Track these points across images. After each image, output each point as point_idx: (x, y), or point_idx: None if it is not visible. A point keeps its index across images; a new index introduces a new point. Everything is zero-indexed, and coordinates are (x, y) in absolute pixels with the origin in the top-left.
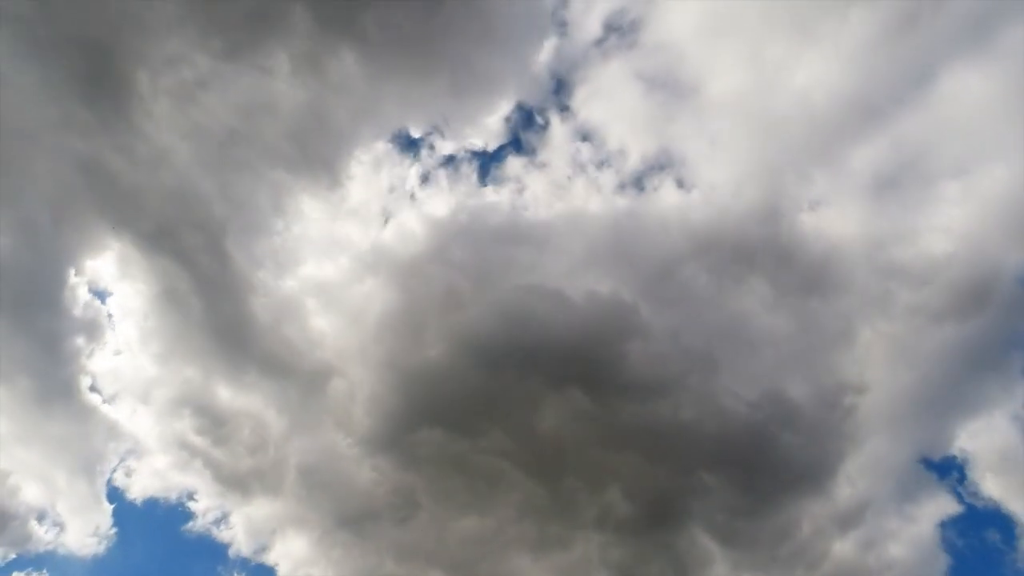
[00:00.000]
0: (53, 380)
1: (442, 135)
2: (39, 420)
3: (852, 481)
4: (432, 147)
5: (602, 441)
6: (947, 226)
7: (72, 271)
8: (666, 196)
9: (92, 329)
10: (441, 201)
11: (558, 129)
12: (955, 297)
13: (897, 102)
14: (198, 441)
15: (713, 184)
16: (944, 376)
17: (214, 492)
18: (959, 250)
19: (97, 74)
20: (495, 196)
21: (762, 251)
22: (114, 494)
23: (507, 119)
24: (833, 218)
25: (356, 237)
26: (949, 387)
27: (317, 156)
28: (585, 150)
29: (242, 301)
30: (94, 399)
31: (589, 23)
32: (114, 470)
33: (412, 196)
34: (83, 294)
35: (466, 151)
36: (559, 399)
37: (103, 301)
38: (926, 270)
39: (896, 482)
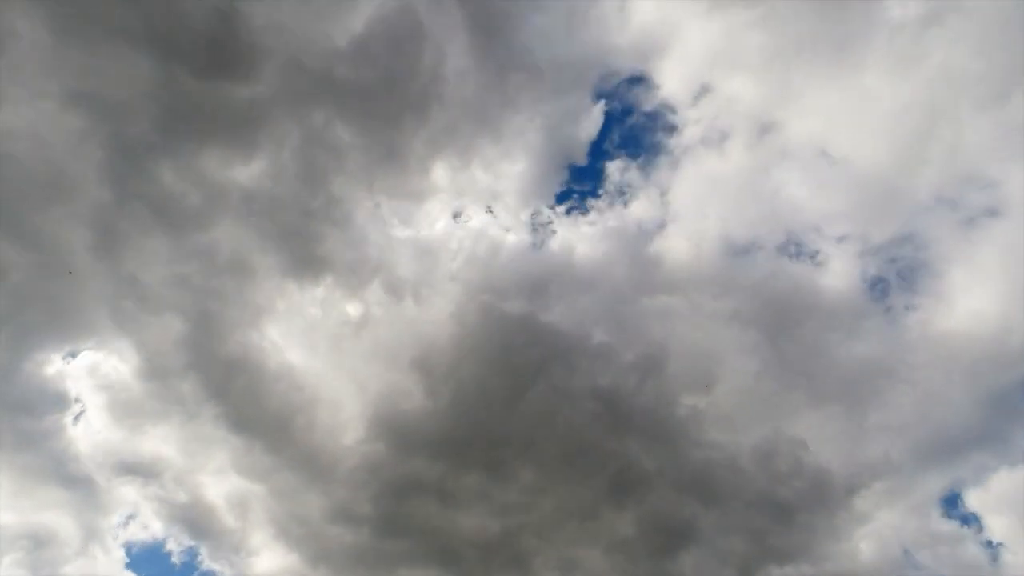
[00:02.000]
0: (52, 456)
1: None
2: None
3: (859, 549)
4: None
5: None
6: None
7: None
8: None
9: (77, 405)
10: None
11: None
12: (982, 361)
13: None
14: (184, 498)
15: (736, 243)
16: (961, 443)
17: (207, 545)
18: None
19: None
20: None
21: (784, 310)
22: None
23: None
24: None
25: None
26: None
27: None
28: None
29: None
30: (89, 472)
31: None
32: (118, 532)
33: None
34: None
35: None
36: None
37: (83, 377)
38: (950, 338)
39: (902, 550)
